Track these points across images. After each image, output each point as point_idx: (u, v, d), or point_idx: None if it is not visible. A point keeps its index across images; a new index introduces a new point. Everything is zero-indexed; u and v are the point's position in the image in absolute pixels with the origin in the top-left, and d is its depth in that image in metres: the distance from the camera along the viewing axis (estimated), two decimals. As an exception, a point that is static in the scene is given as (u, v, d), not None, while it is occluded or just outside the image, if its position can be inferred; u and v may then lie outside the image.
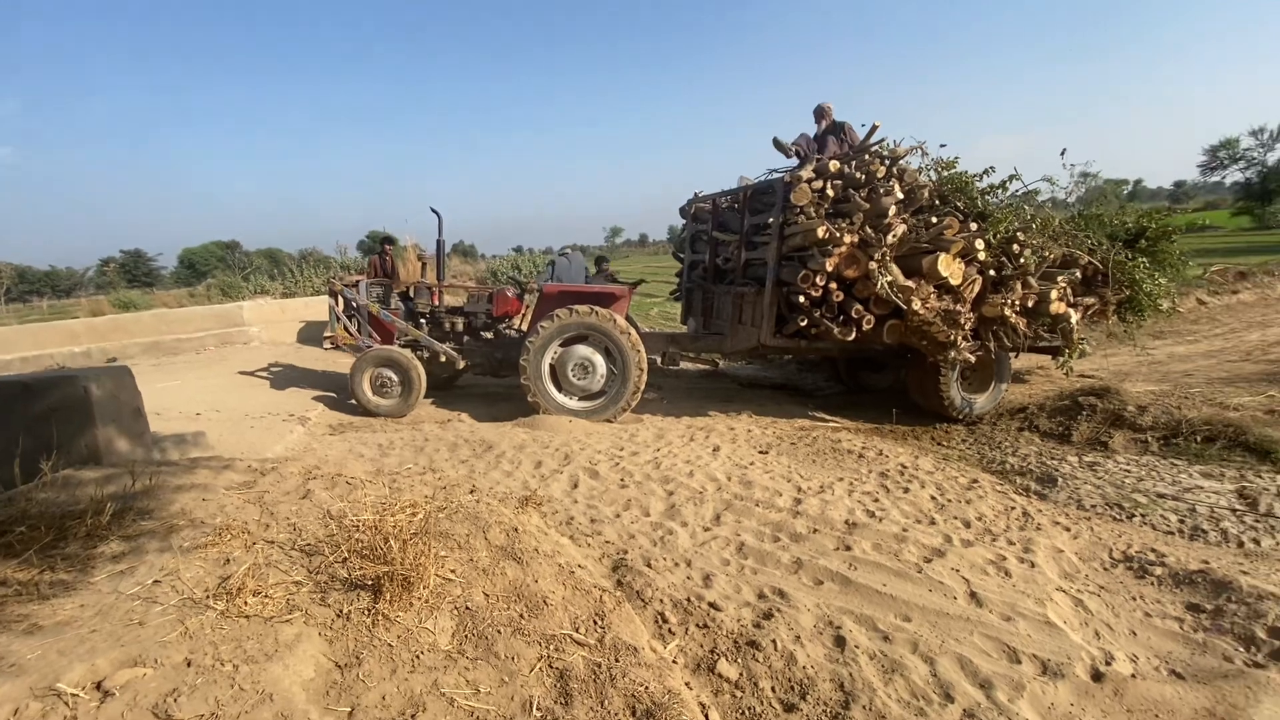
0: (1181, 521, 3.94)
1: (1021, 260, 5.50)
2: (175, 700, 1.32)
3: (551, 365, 5.50)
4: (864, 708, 2.17)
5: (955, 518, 3.83)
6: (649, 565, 3.05)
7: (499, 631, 1.84)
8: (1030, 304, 5.66)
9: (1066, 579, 3.23)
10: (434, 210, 5.89)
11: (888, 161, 5.14)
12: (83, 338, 8.40)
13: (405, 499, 2.53)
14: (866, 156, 5.22)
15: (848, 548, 3.40)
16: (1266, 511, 3.99)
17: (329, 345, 5.94)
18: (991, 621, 2.80)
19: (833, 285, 5.11)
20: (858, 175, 5.06)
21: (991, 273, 5.46)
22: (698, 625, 2.63)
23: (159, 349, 8.23)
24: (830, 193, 5.07)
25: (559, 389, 5.56)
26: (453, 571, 1.99)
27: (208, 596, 1.71)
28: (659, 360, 6.25)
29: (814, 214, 5.02)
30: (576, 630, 1.99)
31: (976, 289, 5.48)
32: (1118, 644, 2.71)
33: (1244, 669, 2.53)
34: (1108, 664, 2.54)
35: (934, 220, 5.20)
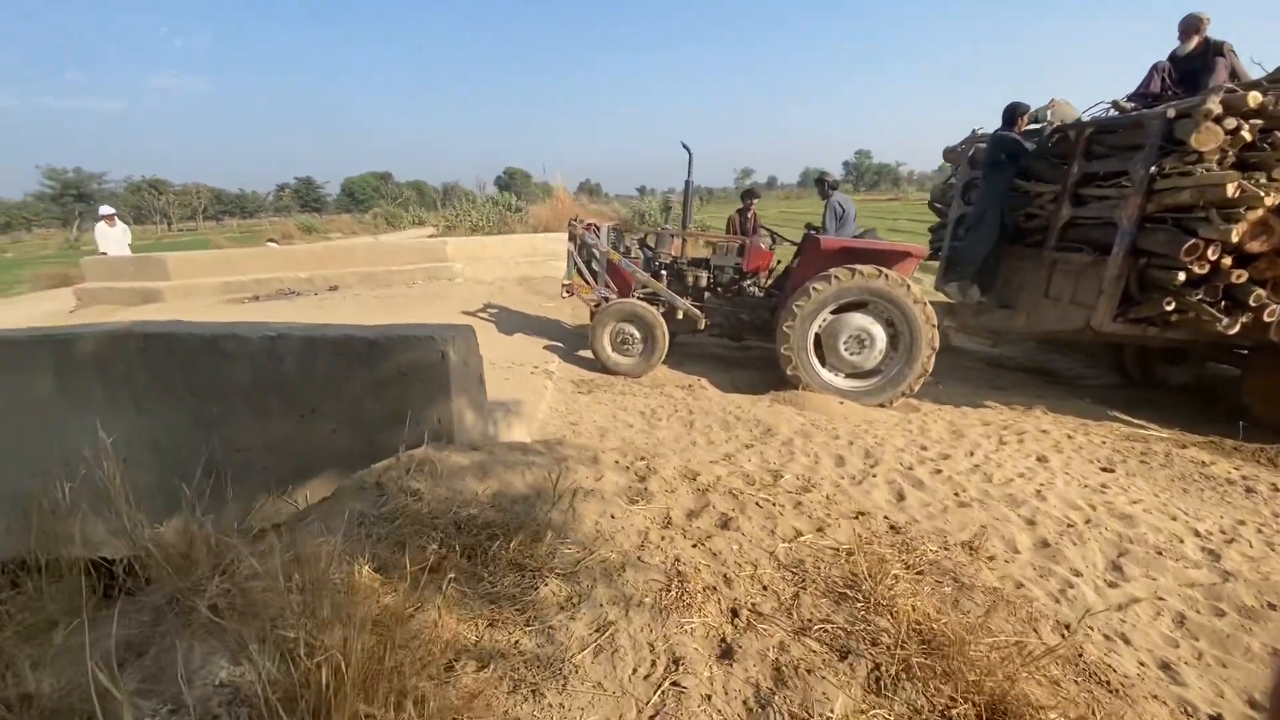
0: None
1: None
2: None
3: (817, 335, 4.74)
4: None
5: None
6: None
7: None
8: None
9: None
10: (684, 146, 5.21)
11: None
12: (305, 264, 8.79)
13: (840, 536, 1.93)
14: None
15: (1340, 640, 2.44)
16: None
17: (566, 294, 5.56)
18: None
19: (1226, 260, 3.86)
20: (1285, 115, 3.68)
21: None
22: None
23: (373, 279, 8.42)
24: (1247, 136, 3.74)
25: (822, 363, 4.80)
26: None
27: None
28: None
29: (1222, 165, 3.74)
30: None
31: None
32: None
33: None
34: None
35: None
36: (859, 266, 4.51)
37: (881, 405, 4.69)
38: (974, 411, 4.93)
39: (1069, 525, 3.20)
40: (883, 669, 1.33)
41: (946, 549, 2.08)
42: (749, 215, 6.58)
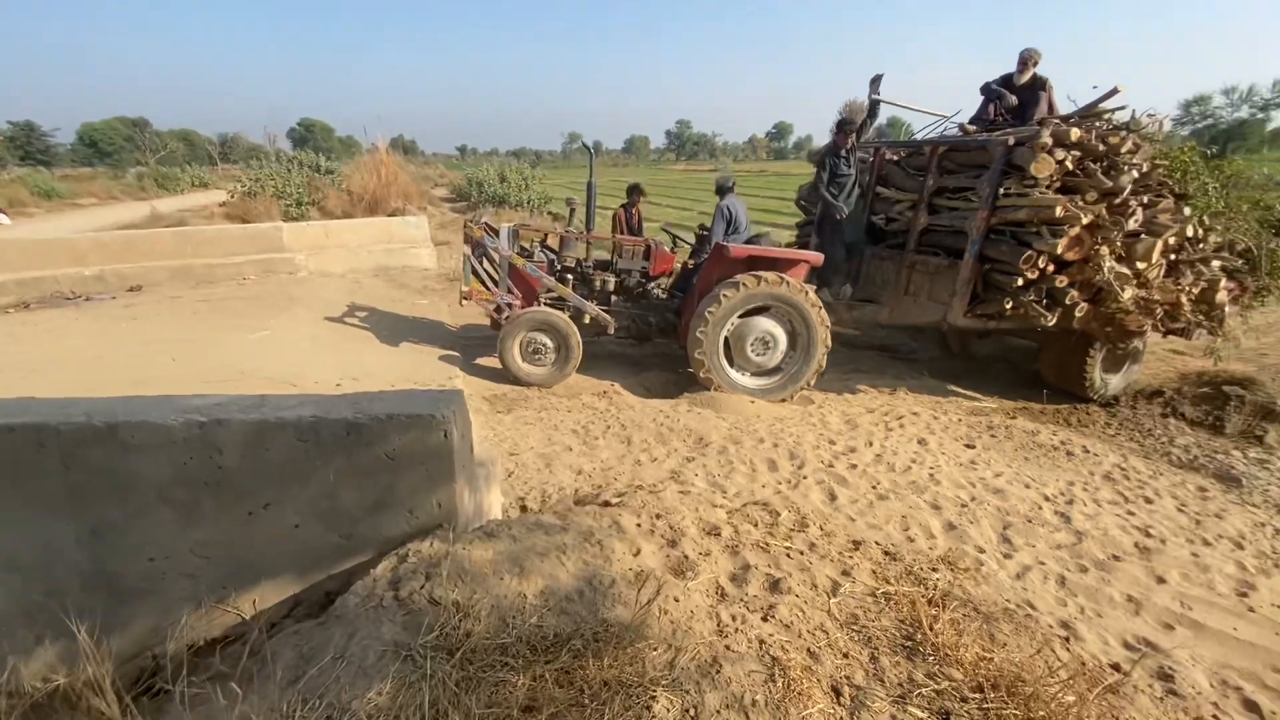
0: None
1: (1201, 245, 5.25)
2: None
3: (726, 338, 4.96)
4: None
5: (1222, 537, 3.72)
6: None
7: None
8: (1197, 291, 5.47)
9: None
10: (586, 147, 5.00)
11: (1128, 134, 4.65)
12: (90, 257, 7.08)
13: (863, 577, 2.10)
14: (1099, 123, 4.70)
15: (1161, 580, 3.23)
16: None
17: (464, 302, 5.12)
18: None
19: (1050, 268, 4.73)
20: (1098, 146, 4.56)
21: (1172, 257, 5.20)
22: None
23: (190, 275, 7.05)
24: (1069, 165, 4.57)
25: (730, 364, 5.05)
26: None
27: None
28: None
29: (1050, 188, 4.53)
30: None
31: (1159, 274, 5.23)
32: None
33: None
34: None
35: (1147, 201, 4.84)
36: (763, 274, 4.78)
37: (783, 400, 5.08)
38: (854, 398, 5.55)
39: (962, 505, 3.78)
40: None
41: (935, 568, 2.36)
42: (634, 212, 6.57)
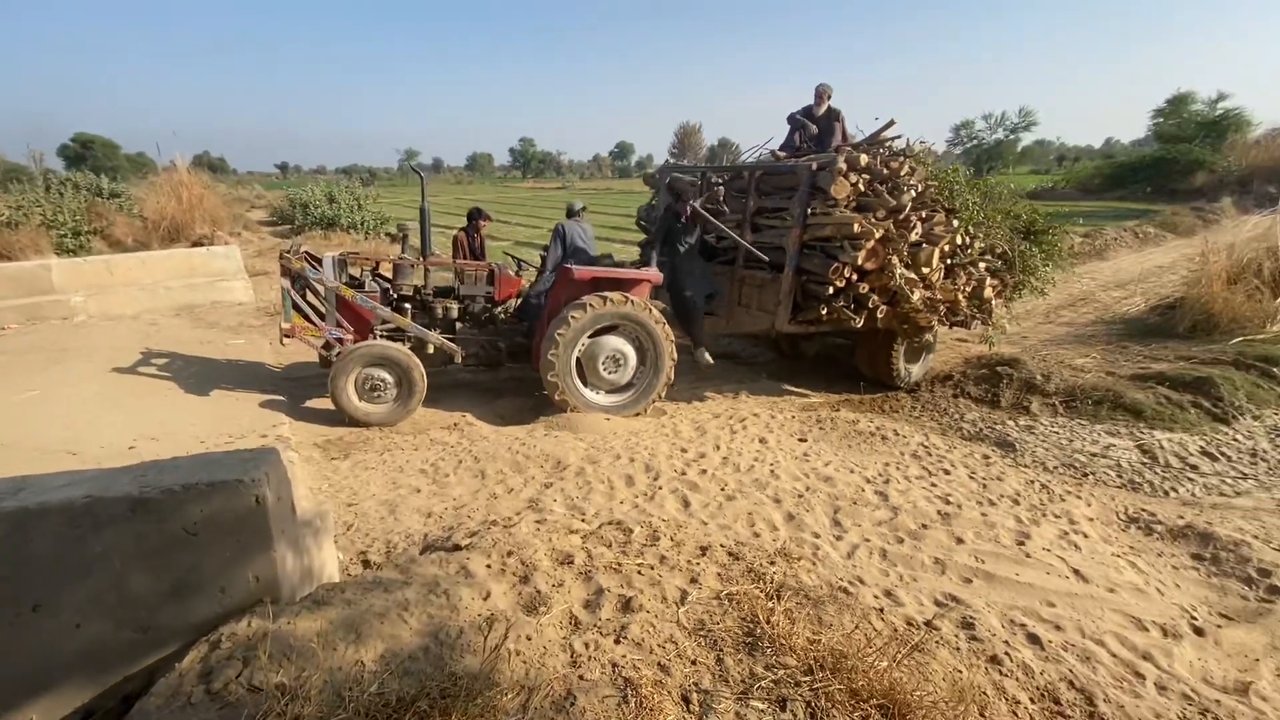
0: (1119, 475, 5.01)
1: (969, 250, 6.28)
2: None
3: (578, 359, 5.00)
4: (1105, 701, 2.45)
5: (1003, 496, 4.42)
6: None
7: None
8: (970, 289, 6.51)
9: (1109, 544, 3.97)
10: (416, 170, 4.78)
11: (905, 158, 5.43)
12: None
13: (709, 581, 2.23)
14: (882, 150, 5.43)
15: (960, 540, 3.77)
16: (1165, 464, 5.26)
17: (285, 340, 4.63)
18: (1104, 595, 3.36)
19: (854, 277, 5.35)
20: (883, 170, 5.27)
21: (948, 261, 6.16)
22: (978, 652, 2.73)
23: (-83, 329, 5.70)
24: (861, 187, 5.22)
25: (584, 383, 5.10)
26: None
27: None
28: None
29: (848, 207, 5.15)
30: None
31: (939, 277, 6.16)
32: (1179, 597, 3.44)
33: (1260, 605, 3.37)
34: (1193, 619, 3.22)
35: (924, 215, 5.68)
36: (608, 294, 4.90)
37: (638, 414, 5.23)
38: (702, 405, 5.87)
39: (799, 496, 4.14)
40: (814, 706, 1.66)
41: (773, 561, 2.56)
42: (476, 236, 6.42)
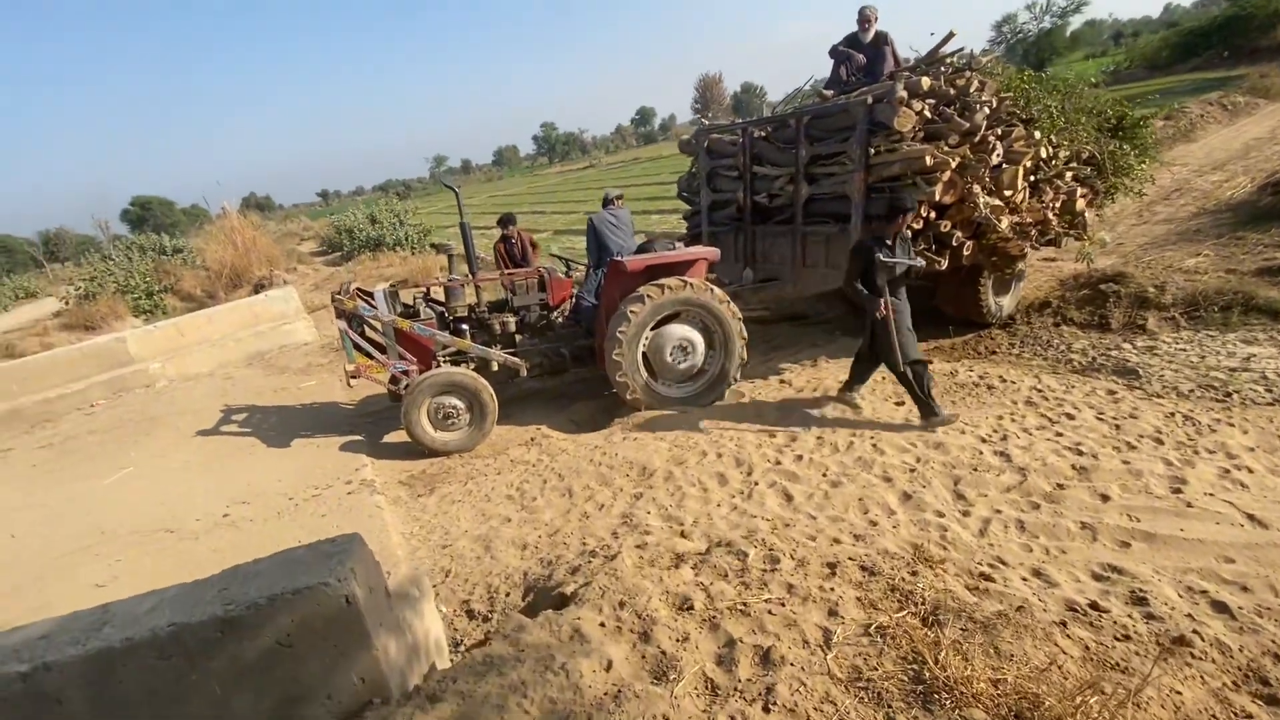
0: (1269, 390, 4.35)
1: (1054, 162, 5.58)
2: None
3: (644, 354, 4.74)
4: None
5: (1143, 436, 3.91)
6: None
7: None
8: (1059, 204, 5.81)
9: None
10: (448, 185, 4.60)
11: (971, 72, 4.81)
12: (-116, 426, 5.90)
13: (850, 611, 1.95)
14: (943, 68, 4.83)
15: (1106, 497, 3.33)
16: (1324, 368, 4.54)
17: (353, 382, 4.59)
18: (1286, 541, 2.87)
19: (933, 215, 4.83)
20: (949, 90, 4.68)
21: (1032, 179, 5.48)
22: (1117, 637, 2.37)
23: (21, 418, 6.02)
24: (927, 113, 4.66)
25: (654, 378, 4.85)
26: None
27: None
28: None
29: (915, 139, 4.62)
30: None
31: (1024, 198, 5.51)
32: (1382, 534, 2.90)
33: None
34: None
35: (1001, 133, 5.05)
36: (665, 281, 4.60)
37: (714, 401, 4.95)
38: (781, 379, 5.51)
39: (910, 470, 3.77)
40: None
41: (915, 572, 2.25)
42: (514, 242, 6.22)
